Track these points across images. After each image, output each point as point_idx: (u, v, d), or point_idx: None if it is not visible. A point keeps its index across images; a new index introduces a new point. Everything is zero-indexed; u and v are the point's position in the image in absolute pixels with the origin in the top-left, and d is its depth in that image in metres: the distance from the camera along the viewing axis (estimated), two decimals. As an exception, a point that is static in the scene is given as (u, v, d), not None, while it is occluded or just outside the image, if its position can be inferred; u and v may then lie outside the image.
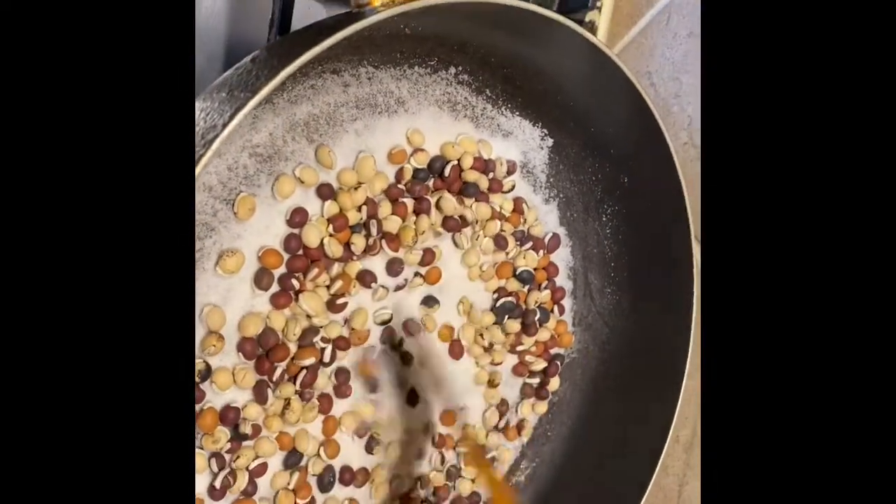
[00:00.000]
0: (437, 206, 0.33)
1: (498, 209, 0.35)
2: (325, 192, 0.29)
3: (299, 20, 0.32)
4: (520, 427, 0.38)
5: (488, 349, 0.36)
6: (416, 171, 0.32)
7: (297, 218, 0.29)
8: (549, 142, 0.36)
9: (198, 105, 0.23)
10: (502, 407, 0.37)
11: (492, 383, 0.36)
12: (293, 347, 0.29)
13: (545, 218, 0.37)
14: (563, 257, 0.38)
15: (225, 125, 0.20)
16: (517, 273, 0.36)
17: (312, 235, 0.29)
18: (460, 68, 0.32)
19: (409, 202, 0.32)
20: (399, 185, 0.32)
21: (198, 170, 0.20)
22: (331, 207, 0.29)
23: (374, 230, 0.30)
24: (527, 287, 0.37)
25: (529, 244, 0.37)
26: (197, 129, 0.21)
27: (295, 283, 0.29)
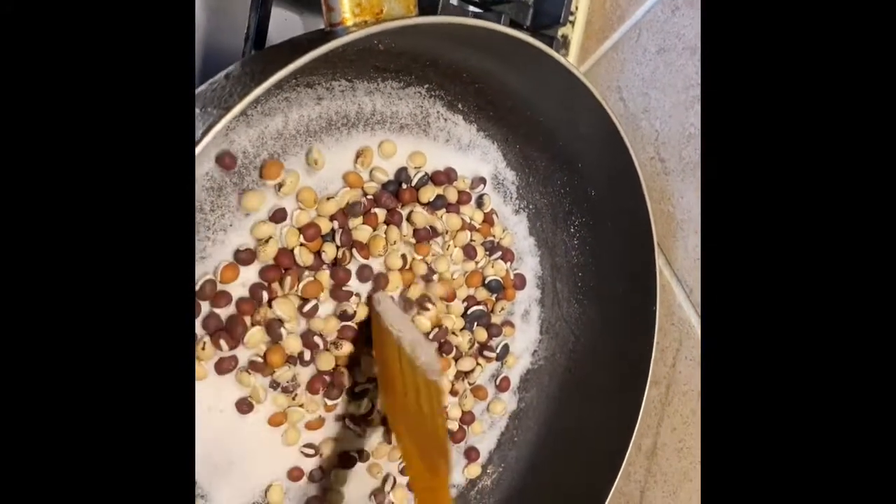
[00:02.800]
0: (409, 219, 0.33)
1: (468, 220, 0.36)
2: (278, 215, 0.30)
3: (276, 31, 0.32)
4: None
5: (457, 359, 0.36)
6: (385, 183, 0.33)
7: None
8: (520, 155, 0.37)
9: (172, 119, 0.23)
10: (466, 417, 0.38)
11: (455, 391, 0.37)
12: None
13: (515, 228, 0.38)
14: (531, 267, 0.39)
15: (198, 142, 0.21)
16: (486, 282, 0.37)
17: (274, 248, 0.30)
18: (433, 83, 0.33)
19: (381, 212, 0.33)
20: (368, 196, 0.32)
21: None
22: (301, 217, 0.30)
23: (342, 239, 0.31)
24: (495, 296, 0.38)
25: (498, 254, 0.37)
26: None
27: (264, 293, 0.29)
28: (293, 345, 0.30)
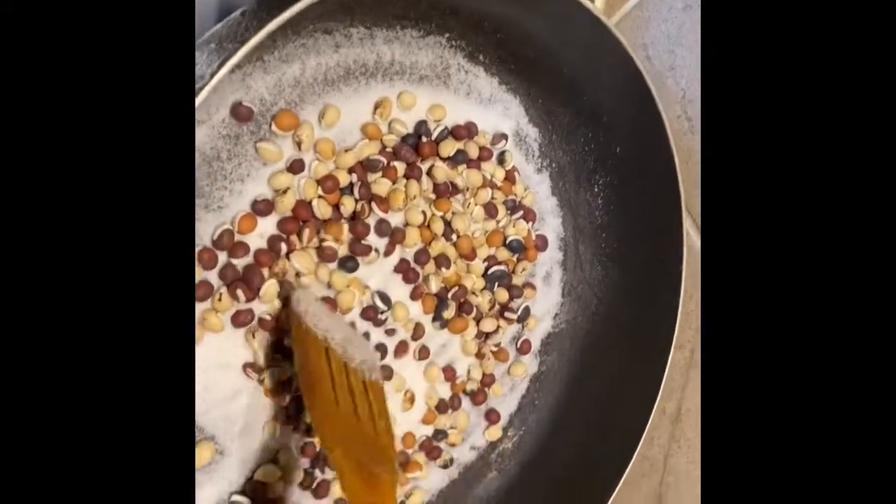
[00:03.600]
0: (429, 174, 0.33)
1: (489, 177, 0.35)
2: (296, 166, 0.29)
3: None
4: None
5: (478, 319, 0.36)
6: (404, 136, 0.32)
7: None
8: (542, 110, 0.36)
9: (186, 57, 0.22)
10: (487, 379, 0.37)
11: (479, 353, 0.36)
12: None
13: (537, 188, 0.37)
14: (553, 227, 0.38)
15: (213, 74, 0.20)
16: (507, 242, 0.36)
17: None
18: (454, 32, 0.32)
19: (401, 166, 0.32)
20: (387, 149, 0.31)
21: (185, 119, 0.20)
22: (319, 168, 0.29)
23: (361, 193, 0.30)
24: (516, 256, 0.37)
25: (520, 213, 0.37)
26: (185, 79, 0.21)
27: (283, 245, 0.29)
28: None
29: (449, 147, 0.33)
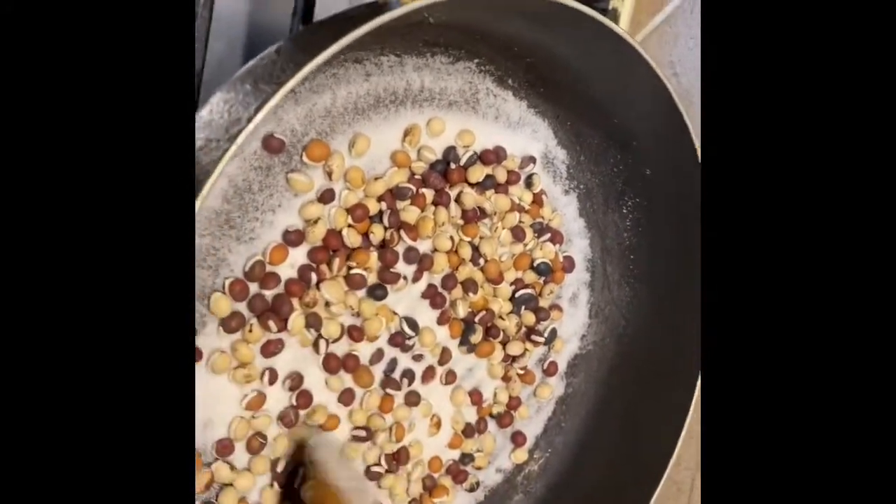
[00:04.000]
0: (457, 200, 0.32)
1: (517, 201, 0.35)
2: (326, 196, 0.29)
3: (322, 5, 0.31)
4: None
5: (504, 343, 0.36)
6: (433, 162, 0.32)
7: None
8: (571, 132, 0.35)
9: (221, 96, 0.22)
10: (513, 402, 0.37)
11: (506, 377, 0.36)
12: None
13: (564, 209, 0.37)
14: (581, 249, 0.38)
15: (250, 119, 0.20)
16: (534, 265, 0.36)
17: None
18: (484, 58, 0.32)
19: (429, 193, 0.32)
20: (416, 177, 0.31)
21: (223, 162, 0.20)
22: (349, 197, 0.29)
23: (390, 220, 0.30)
24: (543, 279, 0.37)
25: (547, 236, 0.36)
26: (220, 120, 0.21)
27: (313, 275, 0.29)
28: (333, 330, 0.30)
29: (477, 173, 0.33)
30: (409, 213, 0.31)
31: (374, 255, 0.31)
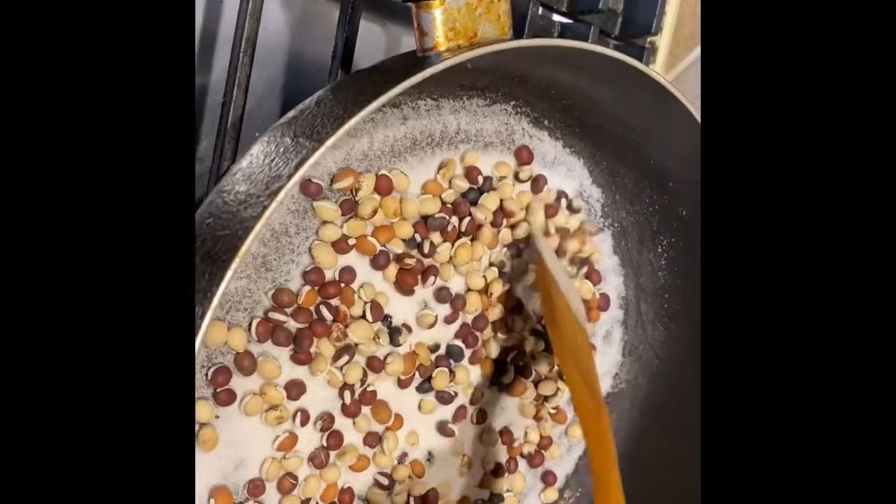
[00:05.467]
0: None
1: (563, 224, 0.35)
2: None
3: (360, 45, 0.31)
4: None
5: (536, 382, 0.35)
6: (465, 191, 0.31)
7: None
8: (607, 172, 0.35)
9: (260, 147, 0.23)
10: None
11: (537, 416, 0.36)
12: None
13: (599, 246, 0.37)
14: (615, 286, 0.38)
15: (290, 176, 0.20)
16: (569, 303, 0.36)
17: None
18: (520, 100, 0.32)
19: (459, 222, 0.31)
20: (447, 205, 0.31)
21: (263, 218, 0.20)
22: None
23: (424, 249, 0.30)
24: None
25: (584, 270, 0.36)
26: (261, 174, 0.21)
27: (327, 313, 0.28)
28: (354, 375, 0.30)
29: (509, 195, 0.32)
30: (442, 254, 0.31)
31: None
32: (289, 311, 0.28)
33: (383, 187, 0.28)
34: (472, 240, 0.32)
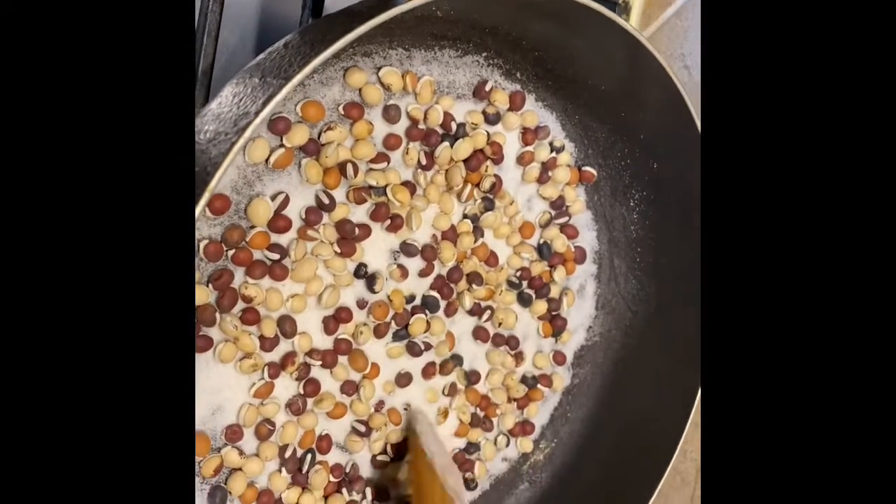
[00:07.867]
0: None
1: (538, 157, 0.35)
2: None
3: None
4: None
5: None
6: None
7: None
8: (579, 126, 0.36)
9: (230, 89, 0.23)
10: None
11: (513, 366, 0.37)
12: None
13: (579, 198, 0.37)
14: (588, 241, 0.38)
15: (257, 112, 0.20)
16: (539, 245, 0.36)
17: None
18: (492, 51, 0.32)
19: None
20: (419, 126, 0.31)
21: (230, 156, 0.20)
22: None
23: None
24: (549, 267, 0.37)
25: (564, 220, 0.36)
26: (230, 113, 0.22)
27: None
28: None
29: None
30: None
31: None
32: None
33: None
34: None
